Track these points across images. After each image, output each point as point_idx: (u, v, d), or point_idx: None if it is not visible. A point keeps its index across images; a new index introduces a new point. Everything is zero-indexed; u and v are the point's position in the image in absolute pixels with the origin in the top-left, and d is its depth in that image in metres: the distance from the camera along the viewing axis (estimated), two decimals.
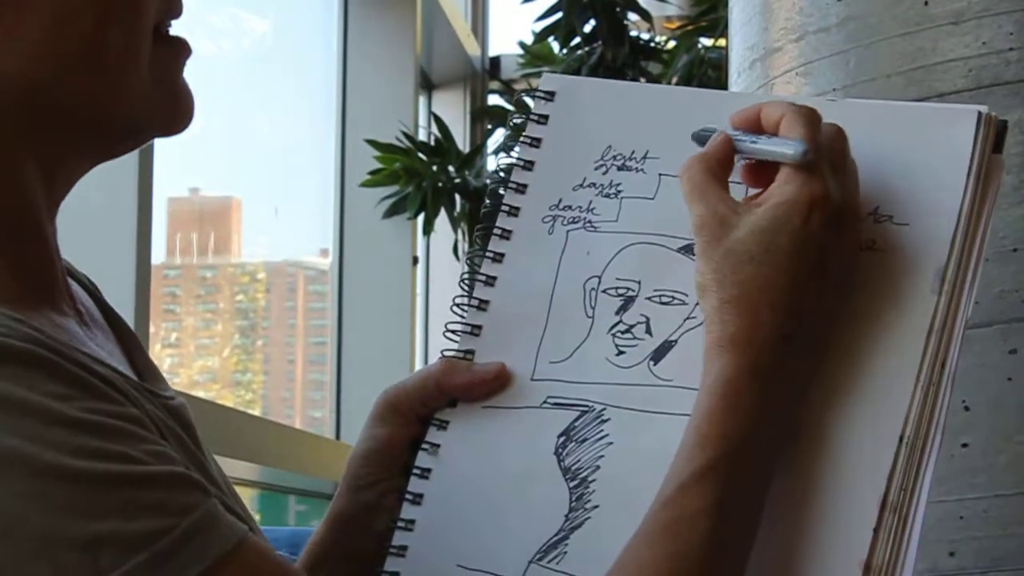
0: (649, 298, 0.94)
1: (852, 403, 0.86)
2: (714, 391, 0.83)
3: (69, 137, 0.83)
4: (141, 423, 0.75)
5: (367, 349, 4.75)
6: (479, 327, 0.97)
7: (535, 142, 1.00)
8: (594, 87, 1.04)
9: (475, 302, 0.98)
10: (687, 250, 0.94)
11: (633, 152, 0.98)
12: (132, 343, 0.93)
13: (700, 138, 0.91)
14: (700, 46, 4.56)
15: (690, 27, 4.61)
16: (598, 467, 0.92)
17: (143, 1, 0.84)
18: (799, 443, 0.86)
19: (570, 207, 0.98)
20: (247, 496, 4.24)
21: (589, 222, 0.97)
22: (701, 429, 0.83)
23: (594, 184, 0.98)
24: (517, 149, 1.01)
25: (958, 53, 1.47)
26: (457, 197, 4.55)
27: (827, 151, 0.85)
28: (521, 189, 1.00)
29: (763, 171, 0.87)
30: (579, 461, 0.93)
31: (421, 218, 4.53)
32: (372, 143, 4.50)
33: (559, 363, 0.95)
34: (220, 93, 4.10)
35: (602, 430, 0.93)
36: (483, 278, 0.98)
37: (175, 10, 0.88)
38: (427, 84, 5.90)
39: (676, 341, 0.93)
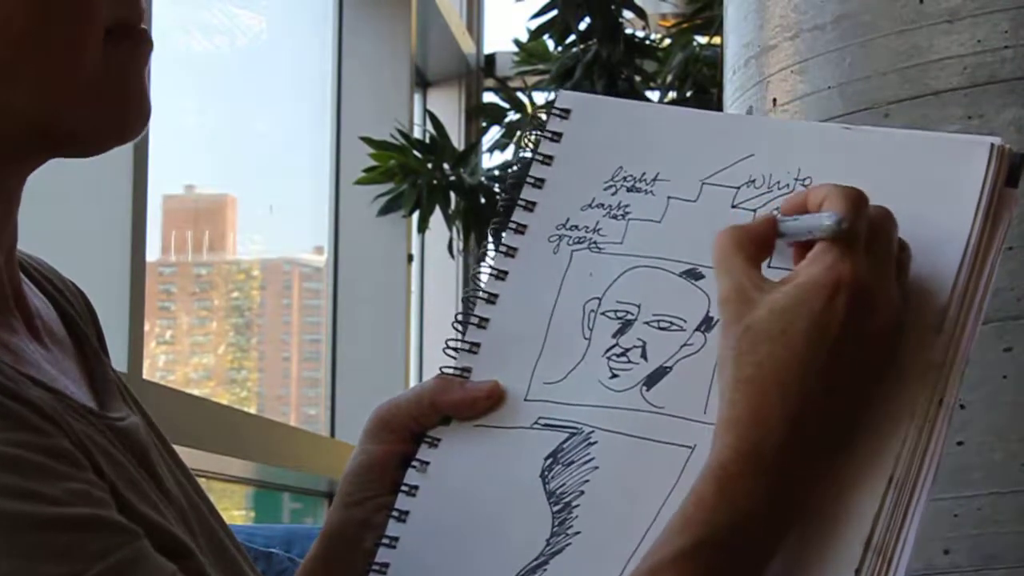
0: (648, 322, 0.93)
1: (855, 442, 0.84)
2: (708, 473, 0.81)
3: (10, 144, 0.81)
4: (67, 457, 0.72)
5: (362, 346, 4.74)
6: (477, 345, 0.97)
7: (547, 160, 1.00)
8: (610, 106, 1.03)
9: (475, 320, 0.97)
10: (690, 275, 0.93)
11: (644, 174, 0.97)
12: (96, 360, 0.91)
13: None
14: (695, 44, 4.56)
15: (685, 25, 4.61)
16: (582, 492, 0.91)
17: (87, 2, 0.81)
18: None
19: (577, 227, 0.98)
20: (241, 493, 4.24)
21: (594, 243, 0.97)
22: (687, 511, 0.80)
23: (602, 205, 0.98)
24: (527, 165, 1.00)
25: (953, 51, 1.47)
26: (452, 195, 4.55)
27: (868, 231, 0.81)
28: (530, 207, 0.99)
29: (807, 252, 0.83)
30: (564, 485, 0.92)
31: (416, 215, 4.52)
32: (367, 140, 4.50)
33: (553, 384, 0.94)
34: (215, 90, 4.09)
35: (589, 453, 0.91)
36: (485, 295, 0.97)
37: (133, 12, 0.84)
38: (422, 81, 5.90)
39: (671, 368, 0.92)
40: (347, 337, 4.77)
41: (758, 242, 0.84)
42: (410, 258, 4.90)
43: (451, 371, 0.96)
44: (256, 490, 4.33)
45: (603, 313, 0.95)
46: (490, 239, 0.99)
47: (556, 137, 1.00)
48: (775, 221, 0.85)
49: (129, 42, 0.84)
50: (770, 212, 0.87)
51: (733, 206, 0.94)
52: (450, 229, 4.60)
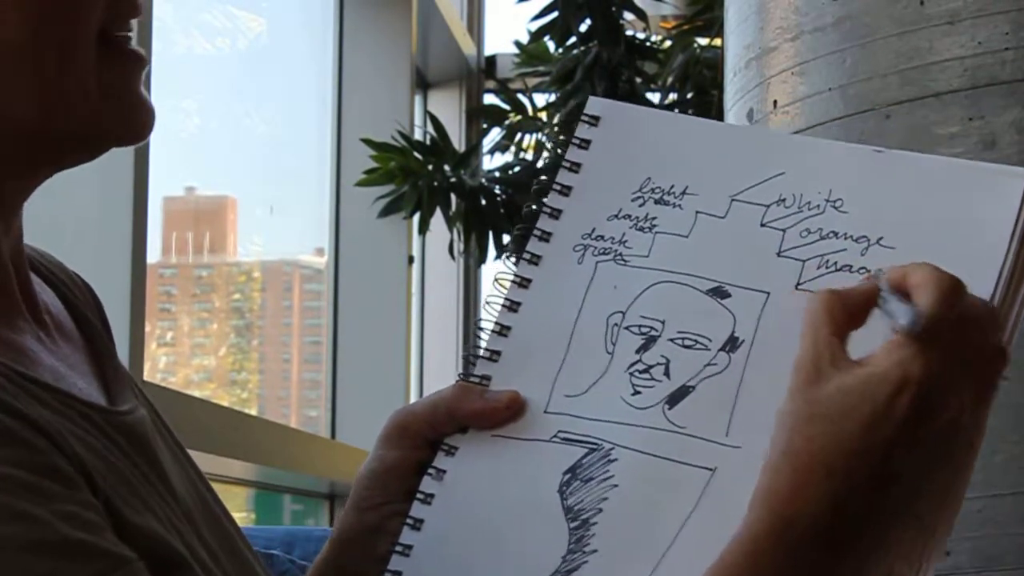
0: (672, 339, 0.92)
1: None
2: (738, 546, 0.79)
3: (11, 147, 0.81)
4: (59, 475, 0.71)
5: (363, 348, 4.74)
6: (498, 353, 0.95)
7: (575, 167, 0.98)
8: (640, 115, 1.01)
9: (496, 327, 0.95)
10: (716, 293, 0.92)
11: (672, 186, 0.96)
12: (105, 352, 0.91)
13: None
14: (696, 45, 4.56)
15: (686, 26, 4.61)
16: (600, 509, 0.89)
17: (80, 5, 0.80)
18: None
19: (602, 237, 0.96)
20: (242, 495, 4.23)
21: (620, 255, 0.95)
22: None
23: (629, 216, 0.96)
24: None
25: (954, 53, 1.47)
26: (453, 196, 4.54)
27: (956, 327, 0.78)
28: (555, 214, 0.97)
29: None
30: (582, 501, 0.90)
31: (417, 217, 4.53)
32: (368, 142, 4.50)
33: (574, 397, 0.93)
34: (216, 92, 4.09)
35: (608, 470, 0.90)
36: (507, 303, 0.96)
37: (125, 16, 0.84)
38: (423, 83, 5.90)
39: (694, 387, 0.90)
40: (348, 339, 4.77)
41: (850, 312, 0.81)
42: (411, 260, 4.90)
43: (471, 378, 0.95)
44: (257, 492, 4.33)
45: (627, 328, 0.93)
46: (512, 245, 0.98)
47: (584, 144, 0.98)
48: (875, 296, 0.82)
49: (121, 59, 0.84)
50: (872, 283, 0.82)
51: (762, 224, 0.93)
52: (451, 231, 4.60)
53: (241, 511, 4.28)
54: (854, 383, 0.78)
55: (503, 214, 4.56)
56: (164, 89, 2.78)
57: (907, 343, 0.78)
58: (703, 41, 4.58)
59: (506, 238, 4.56)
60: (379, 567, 0.93)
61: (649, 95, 4.62)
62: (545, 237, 0.97)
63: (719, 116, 2.71)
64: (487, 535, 0.91)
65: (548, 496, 0.91)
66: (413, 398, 5.22)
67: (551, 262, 0.96)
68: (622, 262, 0.95)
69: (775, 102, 1.63)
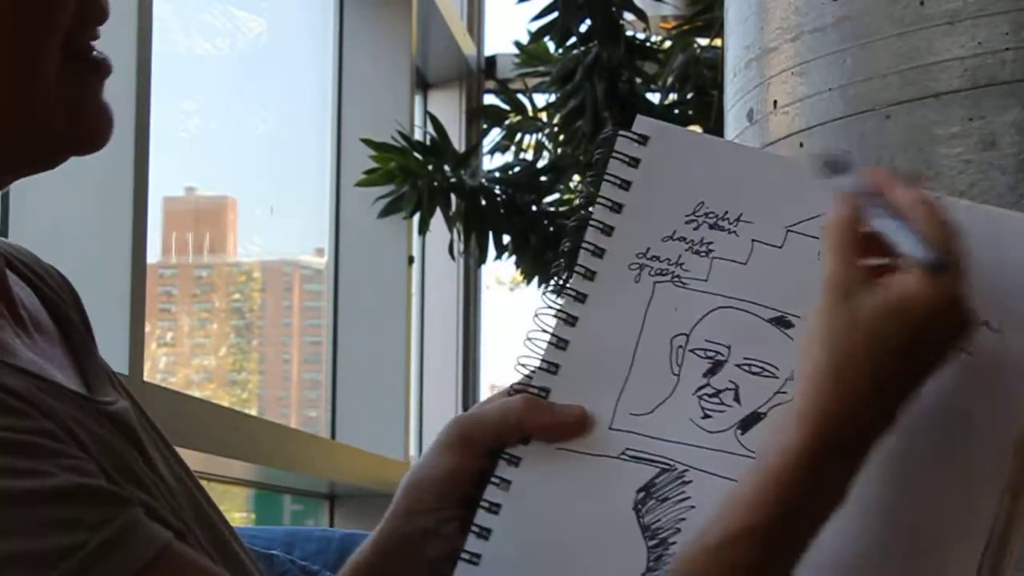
0: (739, 365, 0.94)
1: (938, 503, 0.87)
2: (791, 456, 0.83)
3: None
4: (54, 436, 0.73)
5: (363, 348, 4.74)
6: (557, 365, 0.96)
7: (624, 184, 0.99)
8: (690, 139, 1.02)
9: (553, 339, 0.96)
10: (779, 322, 0.93)
11: (726, 212, 0.97)
12: (83, 346, 0.91)
13: (833, 164, 0.89)
14: (696, 46, 4.56)
15: (686, 27, 4.61)
16: (678, 530, 0.91)
17: (44, 12, 0.80)
18: (882, 531, 0.86)
19: (658, 258, 0.97)
20: (242, 495, 4.23)
21: (677, 277, 0.96)
22: (745, 495, 0.83)
23: (684, 238, 0.97)
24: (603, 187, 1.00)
25: (954, 53, 1.47)
26: (453, 197, 4.54)
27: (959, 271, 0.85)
28: (607, 231, 0.98)
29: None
30: (659, 520, 0.92)
31: (417, 217, 4.53)
32: (368, 142, 4.50)
33: (640, 416, 0.94)
34: (216, 92, 4.09)
35: (684, 491, 0.92)
36: (564, 316, 0.97)
37: (91, 22, 0.84)
38: (423, 83, 5.90)
39: (765, 414, 0.92)
40: (348, 339, 4.77)
41: (868, 235, 0.86)
42: (411, 260, 4.90)
43: (531, 390, 0.96)
44: (257, 492, 4.33)
45: (692, 350, 0.94)
46: (561, 260, 0.98)
47: (634, 163, 0.99)
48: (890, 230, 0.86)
49: (85, 66, 0.84)
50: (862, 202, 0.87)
51: (819, 257, 0.95)
52: (451, 231, 4.60)
53: (241, 511, 4.28)
54: (889, 304, 0.82)
55: (503, 214, 4.56)
56: (164, 89, 2.79)
57: (934, 273, 0.82)
58: (703, 41, 4.58)
59: (506, 238, 4.56)
60: (428, 572, 0.94)
61: (649, 95, 4.62)
62: (598, 253, 0.98)
63: (719, 116, 2.71)
64: (561, 547, 0.92)
65: (623, 513, 0.92)
66: (413, 398, 5.22)
67: (606, 278, 0.98)
68: (680, 284, 0.96)
69: (775, 102, 1.63)
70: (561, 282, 0.98)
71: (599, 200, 0.98)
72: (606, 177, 0.98)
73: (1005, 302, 0.89)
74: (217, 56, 4.10)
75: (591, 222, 0.98)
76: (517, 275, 4.84)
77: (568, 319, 0.97)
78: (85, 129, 0.84)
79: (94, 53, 0.85)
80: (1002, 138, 1.45)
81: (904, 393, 0.82)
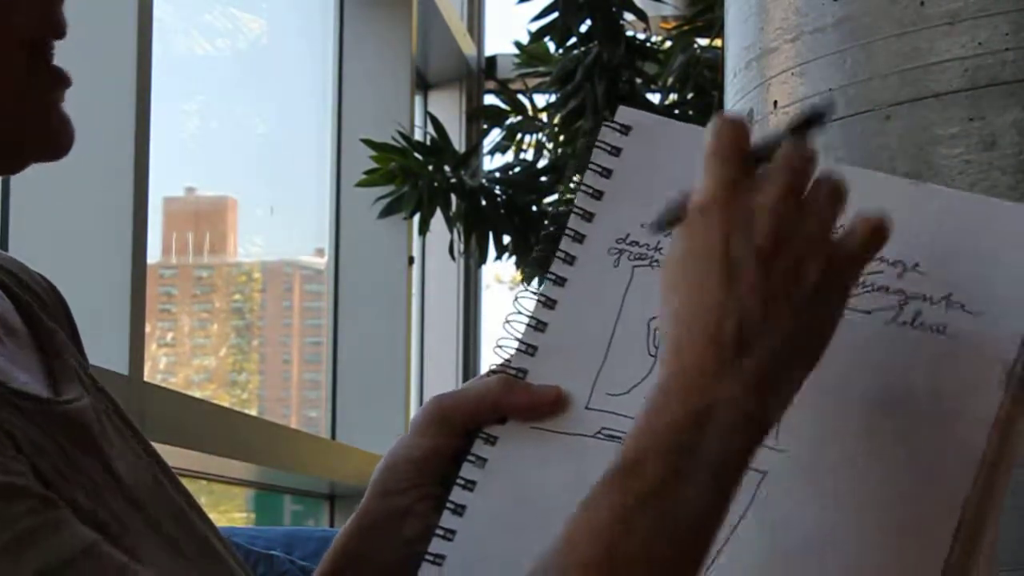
0: None
1: (910, 483, 0.86)
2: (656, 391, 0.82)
3: None
4: None
5: (363, 349, 4.75)
6: (534, 347, 0.97)
7: (605, 172, 1.00)
8: (670, 128, 1.03)
9: (532, 322, 0.98)
10: None
11: None
12: (54, 348, 0.92)
13: (813, 117, 0.87)
14: (696, 46, 4.56)
15: (686, 27, 4.61)
16: None
17: (4, 12, 0.81)
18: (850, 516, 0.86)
19: (637, 243, 0.99)
20: (242, 496, 4.24)
21: (656, 261, 0.97)
22: (638, 425, 0.82)
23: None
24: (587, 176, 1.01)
25: (954, 53, 1.47)
26: (453, 197, 4.54)
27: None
28: (588, 217, 0.99)
29: None
30: None
31: (417, 218, 4.53)
32: (368, 143, 4.50)
33: (616, 396, 0.95)
34: (216, 93, 4.09)
35: None
36: (542, 299, 0.98)
37: (54, 27, 0.85)
38: (423, 84, 5.90)
39: None
40: (348, 339, 4.77)
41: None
42: (411, 260, 4.90)
43: (508, 371, 0.97)
44: (257, 492, 4.33)
45: None
46: (541, 245, 0.99)
47: (615, 151, 1.00)
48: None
49: (45, 77, 0.85)
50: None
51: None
52: (451, 231, 4.60)
53: (241, 511, 4.28)
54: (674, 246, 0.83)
55: (503, 214, 4.56)
56: (164, 90, 2.79)
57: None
58: (703, 41, 4.58)
59: (506, 238, 4.56)
60: (405, 550, 0.94)
61: (649, 95, 4.62)
62: (578, 238, 0.99)
63: None
64: (536, 522, 0.93)
65: None
66: (413, 398, 5.22)
67: (586, 263, 0.99)
68: (659, 267, 0.97)
69: (775, 103, 1.63)
70: (542, 268, 1.00)
71: (581, 188, 1.00)
72: (589, 166, 1.00)
73: (988, 287, 0.88)
74: (217, 56, 4.10)
75: (572, 208, 0.99)
76: (517, 275, 4.84)
77: (547, 302, 0.98)
78: (48, 139, 0.85)
79: (54, 64, 0.86)
80: (1002, 138, 1.45)
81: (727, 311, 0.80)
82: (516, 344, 0.97)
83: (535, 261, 1.02)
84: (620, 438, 0.93)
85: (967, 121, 1.46)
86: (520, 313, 0.98)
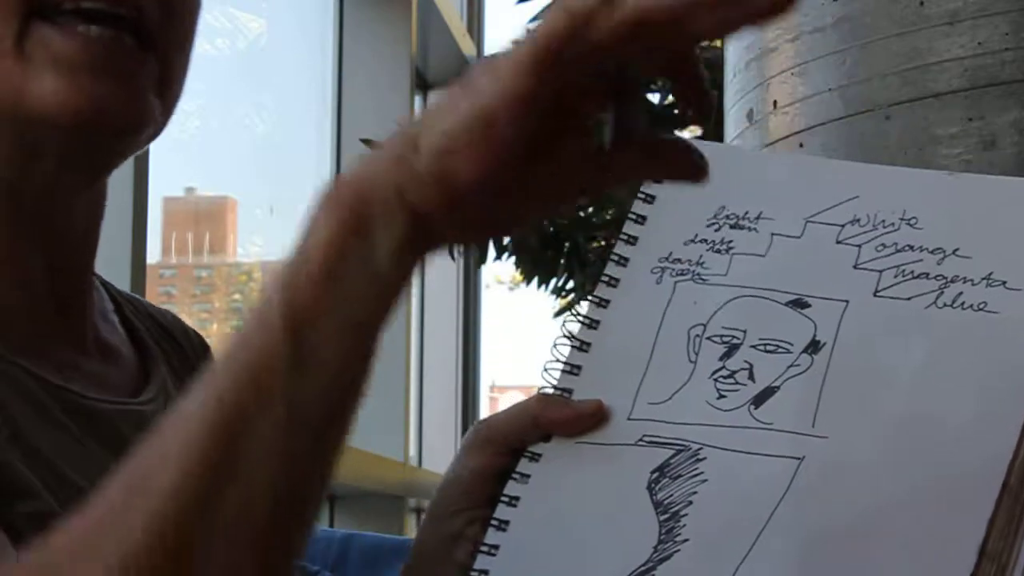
0: (754, 346, 0.95)
1: (950, 452, 0.86)
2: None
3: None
4: None
5: None
6: (579, 367, 0.98)
7: (649, 198, 1.01)
8: (710, 149, 1.05)
9: (576, 343, 0.98)
10: (795, 304, 0.94)
11: (747, 212, 0.99)
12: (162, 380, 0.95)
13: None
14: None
15: None
16: (690, 502, 0.91)
17: None
18: (884, 482, 0.86)
19: (680, 260, 0.99)
20: None
21: (698, 274, 0.98)
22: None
23: (705, 240, 0.99)
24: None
25: (953, 53, 1.47)
26: None
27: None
28: (632, 241, 1.00)
29: None
30: (671, 496, 0.92)
31: None
32: (367, 143, 4.50)
33: (658, 404, 0.95)
34: (216, 93, 4.09)
35: (697, 468, 0.92)
36: (586, 321, 0.99)
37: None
38: (423, 84, 5.90)
39: (779, 387, 0.93)
40: None
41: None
42: None
43: (552, 391, 0.97)
44: None
45: (708, 338, 0.96)
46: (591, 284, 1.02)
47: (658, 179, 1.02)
48: None
49: (64, 18, 0.82)
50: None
51: (838, 242, 0.95)
52: None
53: None
54: None
55: None
56: None
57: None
58: (703, 41, 4.57)
59: (506, 238, 4.56)
60: (461, 573, 0.94)
61: (649, 95, 4.62)
62: (622, 262, 1.00)
63: (719, 117, 2.71)
64: (576, 531, 0.93)
65: (637, 493, 0.93)
66: (413, 398, 5.21)
67: (629, 283, 1.00)
68: (700, 281, 0.98)
69: (775, 102, 1.63)
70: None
71: (628, 215, 1.01)
72: (637, 195, 1.01)
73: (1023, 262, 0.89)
74: (217, 56, 4.10)
75: (620, 236, 1.01)
76: (517, 275, 4.84)
77: (591, 323, 0.99)
78: (56, 97, 0.82)
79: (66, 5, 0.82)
80: (1002, 138, 1.45)
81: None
82: (561, 366, 0.98)
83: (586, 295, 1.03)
84: (660, 443, 0.94)
85: (967, 121, 1.46)
86: (567, 336, 0.98)
